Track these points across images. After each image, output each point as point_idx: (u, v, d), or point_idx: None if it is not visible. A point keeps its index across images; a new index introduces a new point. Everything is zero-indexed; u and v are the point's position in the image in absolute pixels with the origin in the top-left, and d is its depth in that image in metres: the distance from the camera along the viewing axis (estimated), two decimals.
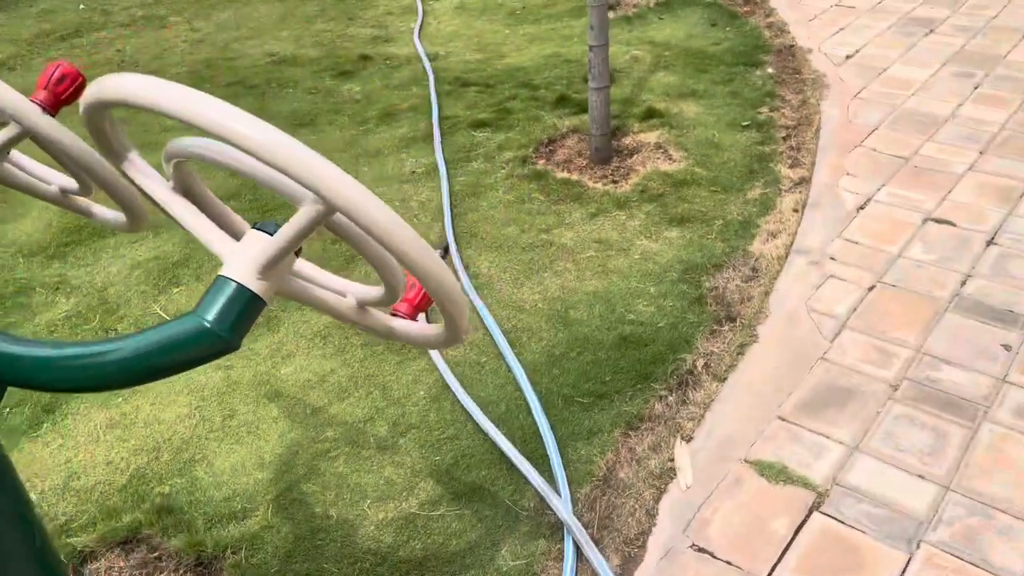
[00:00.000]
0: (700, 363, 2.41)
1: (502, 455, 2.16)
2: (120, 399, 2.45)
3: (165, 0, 6.50)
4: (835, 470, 2.08)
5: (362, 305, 1.18)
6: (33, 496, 2.14)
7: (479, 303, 2.73)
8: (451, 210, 3.29)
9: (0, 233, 3.33)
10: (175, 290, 2.91)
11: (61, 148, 1.16)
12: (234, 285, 0.94)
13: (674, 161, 3.53)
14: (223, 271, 0.95)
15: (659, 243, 3.01)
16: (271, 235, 0.96)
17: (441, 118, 4.11)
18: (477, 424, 2.26)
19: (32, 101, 1.16)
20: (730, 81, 4.23)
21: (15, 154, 1.36)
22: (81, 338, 2.69)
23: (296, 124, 4.16)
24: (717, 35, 4.86)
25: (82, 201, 1.45)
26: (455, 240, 3.09)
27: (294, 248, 0.94)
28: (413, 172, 3.64)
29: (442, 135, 3.93)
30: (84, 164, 1.19)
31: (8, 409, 2.42)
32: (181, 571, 1.93)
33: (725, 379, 2.37)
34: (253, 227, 0.98)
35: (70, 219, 3.39)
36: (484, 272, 2.92)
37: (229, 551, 1.96)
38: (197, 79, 4.79)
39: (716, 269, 2.84)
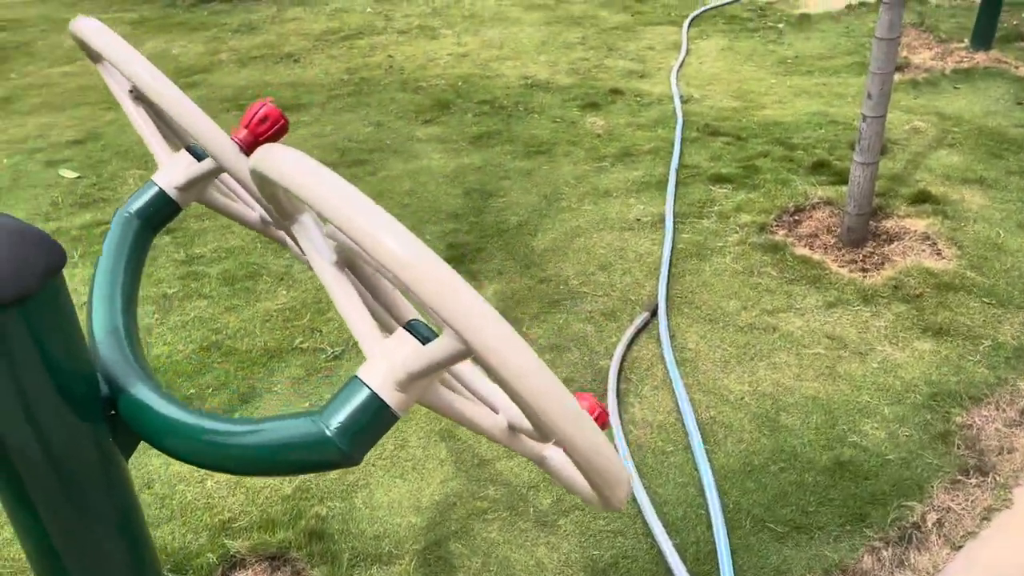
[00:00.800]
0: (931, 519, 1.99)
1: (668, 571, 1.90)
2: (308, 403, 2.49)
3: (442, 13, 6.82)
4: None
5: (514, 428, 1.01)
6: (208, 484, 2.21)
7: (677, 382, 2.47)
8: (669, 269, 3.06)
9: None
10: None
11: (252, 190, 1.11)
12: (367, 393, 0.80)
13: (942, 258, 3.04)
14: (361, 371, 0.82)
15: (906, 353, 2.58)
16: (423, 341, 0.81)
17: (680, 166, 3.88)
18: (647, 524, 2.02)
19: (232, 139, 1.11)
20: None
21: (224, 176, 1.36)
22: (288, 333, 2.79)
23: (533, 151, 4.12)
24: (1023, 116, 4.18)
25: (280, 232, 1.42)
26: (666, 303, 2.86)
27: (442, 369, 0.79)
28: (638, 220, 3.44)
29: (677, 185, 3.70)
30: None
31: (210, 390, 2.55)
32: None
33: (960, 548, 1.93)
34: (405, 325, 0.84)
35: None
36: (691, 347, 2.66)
37: None
38: (452, 93, 4.93)
39: (973, 402, 2.36)
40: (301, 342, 2.75)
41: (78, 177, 3.97)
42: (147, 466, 2.26)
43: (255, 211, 1.39)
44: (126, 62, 1.08)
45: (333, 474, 2.23)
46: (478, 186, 3.78)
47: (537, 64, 5.47)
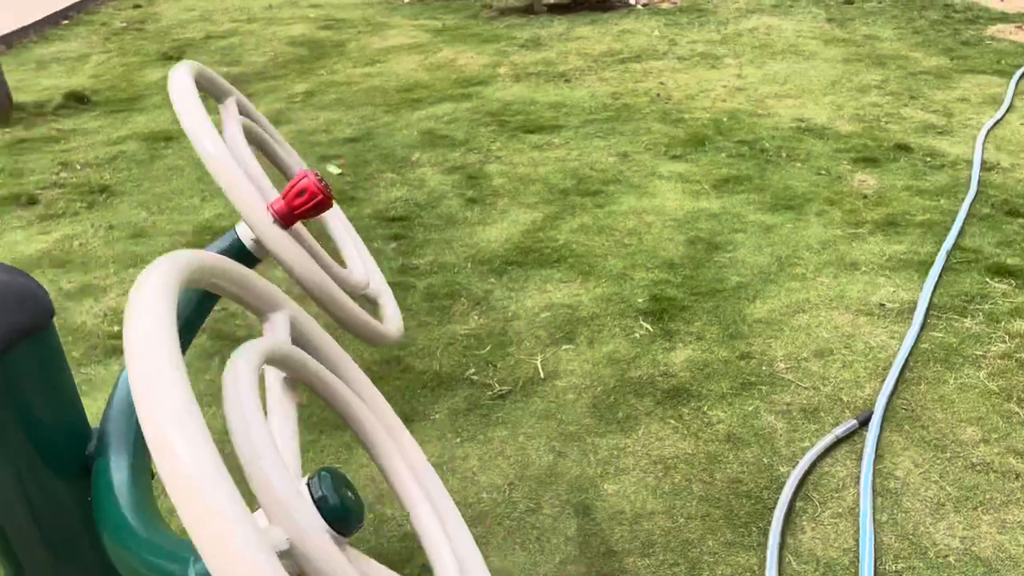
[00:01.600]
0: None
1: None
2: (459, 439, 2.45)
3: (731, 40, 6.50)
4: None
5: None
6: None
7: (867, 514, 2.06)
8: (901, 371, 2.58)
9: (470, 234, 3.65)
10: (564, 347, 2.82)
11: (284, 261, 1.05)
12: None
13: None
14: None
15: None
16: (320, 504, 0.68)
17: (955, 247, 3.28)
18: None
19: (269, 208, 1.06)
20: None
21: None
22: (464, 361, 2.78)
23: (781, 204, 3.74)
24: None
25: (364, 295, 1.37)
26: (883, 413, 2.41)
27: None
28: (882, 305, 2.96)
29: (945, 270, 3.13)
30: (305, 286, 1.07)
31: None
32: None
33: None
34: (309, 479, 0.72)
35: (528, 239, 3.56)
36: (899, 475, 2.21)
37: None
38: (712, 129, 4.65)
39: None
40: (473, 373, 2.72)
41: (340, 174, 4.32)
42: None
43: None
44: (186, 120, 1.08)
45: None
46: (707, 236, 3.50)
47: (819, 106, 4.98)
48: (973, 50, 5.96)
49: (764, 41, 6.43)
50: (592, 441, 2.41)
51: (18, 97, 5.59)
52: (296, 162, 1.47)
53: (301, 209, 1.06)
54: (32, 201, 4.14)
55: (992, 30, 6.46)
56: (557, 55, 6.28)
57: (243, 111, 1.38)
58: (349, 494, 0.70)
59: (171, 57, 6.82)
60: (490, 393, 2.62)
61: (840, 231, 3.49)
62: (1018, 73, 5.31)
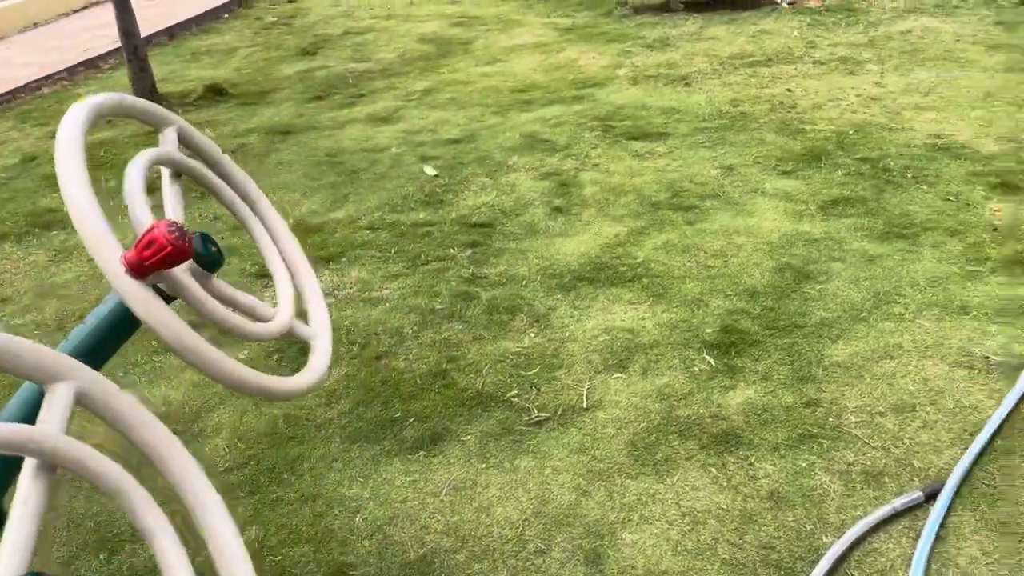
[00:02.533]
0: None
1: None
2: (484, 465, 2.38)
3: (879, 44, 5.97)
4: None
5: None
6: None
7: None
8: (993, 438, 2.25)
9: (548, 246, 3.55)
10: (615, 375, 2.68)
11: (135, 310, 1.01)
12: None
13: None
14: None
15: None
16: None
17: None
18: None
19: (122, 259, 1.02)
20: None
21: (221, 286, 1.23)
22: (509, 382, 2.69)
23: (893, 233, 3.38)
24: None
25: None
26: (957, 487, 2.11)
27: None
28: (987, 358, 2.60)
29: None
30: (164, 340, 1.02)
31: (412, 420, 2.58)
32: None
33: None
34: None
35: (606, 254, 3.41)
36: (960, 563, 1.92)
37: None
38: (833, 143, 4.27)
39: None
40: (515, 395, 2.63)
41: (435, 176, 4.34)
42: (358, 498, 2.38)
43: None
44: (59, 163, 1.05)
45: None
46: (799, 263, 3.22)
47: (964, 121, 4.47)
48: None
49: (916, 45, 5.87)
50: (621, 482, 2.26)
51: (164, 88, 6.02)
52: (242, 197, 1.45)
53: (150, 261, 1.01)
54: (153, 189, 4.43)
55: None
56: (682, 57, 6.02)
57: (185, 141, 1.37)
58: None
59: (308, 52, 7.12)
60: (527, 418, 2.53)
61: (956, 267, 3.11)
62: None
